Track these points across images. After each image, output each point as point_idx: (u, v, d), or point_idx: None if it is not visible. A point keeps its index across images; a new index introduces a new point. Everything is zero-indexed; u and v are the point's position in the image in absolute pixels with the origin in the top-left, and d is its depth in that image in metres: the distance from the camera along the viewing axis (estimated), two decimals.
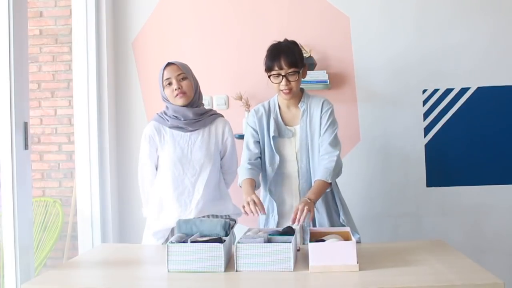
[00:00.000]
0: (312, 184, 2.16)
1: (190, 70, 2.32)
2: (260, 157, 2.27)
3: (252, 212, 1.97)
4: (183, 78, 2.25)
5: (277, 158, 2.21)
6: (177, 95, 2.23)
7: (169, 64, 2.26)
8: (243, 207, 2.01)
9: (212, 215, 2.26)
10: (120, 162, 3.18)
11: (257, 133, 2.27)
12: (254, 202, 1.98)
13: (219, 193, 2.32)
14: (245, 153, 2.28)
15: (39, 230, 3.49)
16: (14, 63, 2.00)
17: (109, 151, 3.07)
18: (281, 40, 2.26)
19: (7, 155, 1.99)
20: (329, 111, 2.22)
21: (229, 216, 2.32)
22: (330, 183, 2.13)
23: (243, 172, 2.21)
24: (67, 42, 3.86)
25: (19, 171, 2.00)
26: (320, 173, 2.14)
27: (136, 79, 3.21)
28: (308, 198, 2.02)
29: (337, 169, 2.15)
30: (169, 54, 3.06)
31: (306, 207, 1.96)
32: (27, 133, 2.05)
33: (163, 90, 2.26)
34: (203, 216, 2.22)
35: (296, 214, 1.94)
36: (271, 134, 2.21)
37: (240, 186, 2.19)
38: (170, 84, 2.24)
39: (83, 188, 3.01)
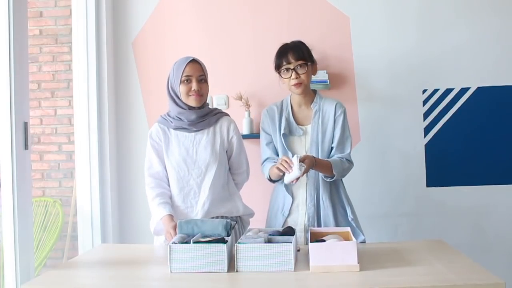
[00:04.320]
0: (320, 182, 2.22)
1: (207, 71, 2.26)
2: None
3: (285, 168, 2.03)
4: (203, 80, 2.20)
5: (290, 154, 2.21)
6: (193, 95, 2.17)
7: (192, 60, 2.18)
8: (277, 167, 2.07)
9: (222, 216, 2.19)
10: (120, 162, 3.18)
11: (270, 135, 2.31)
12: (286, 161, 2.05)
13: (228, 193, 2.27)
14: (262, 157, 2.33)
15: (39, 230, 3.48)
16: (14, 63, 1.99)
17: (109, 151, 3.06)
18: (282, 40, 2.31)
19: (7, 155, 1.98)
20: (342, 115, 2.26)
21: (240, 217, 2.29)
22: (331, 175, 2.17)
23: (268, 166, 2.25)
24: (67, 42, 3.86)
25: (19, 171, 1.99)
26: (332, 159, 2.20)
27: (136, 79, 3.21)
28: (313, 157, 2.13)
29: (344, 172, 2.22)
30: (169, 54, 3.06)
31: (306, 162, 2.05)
32: (27, 133, 2.05)
33: (179, 85, 2.17)
34: (212, 218, 2.16)
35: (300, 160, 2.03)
36: (282, 131, 2.25)
37: (269, 179, 2.26)
38: (189, 82, 2.16)
39: (83, 188, 3.00)
